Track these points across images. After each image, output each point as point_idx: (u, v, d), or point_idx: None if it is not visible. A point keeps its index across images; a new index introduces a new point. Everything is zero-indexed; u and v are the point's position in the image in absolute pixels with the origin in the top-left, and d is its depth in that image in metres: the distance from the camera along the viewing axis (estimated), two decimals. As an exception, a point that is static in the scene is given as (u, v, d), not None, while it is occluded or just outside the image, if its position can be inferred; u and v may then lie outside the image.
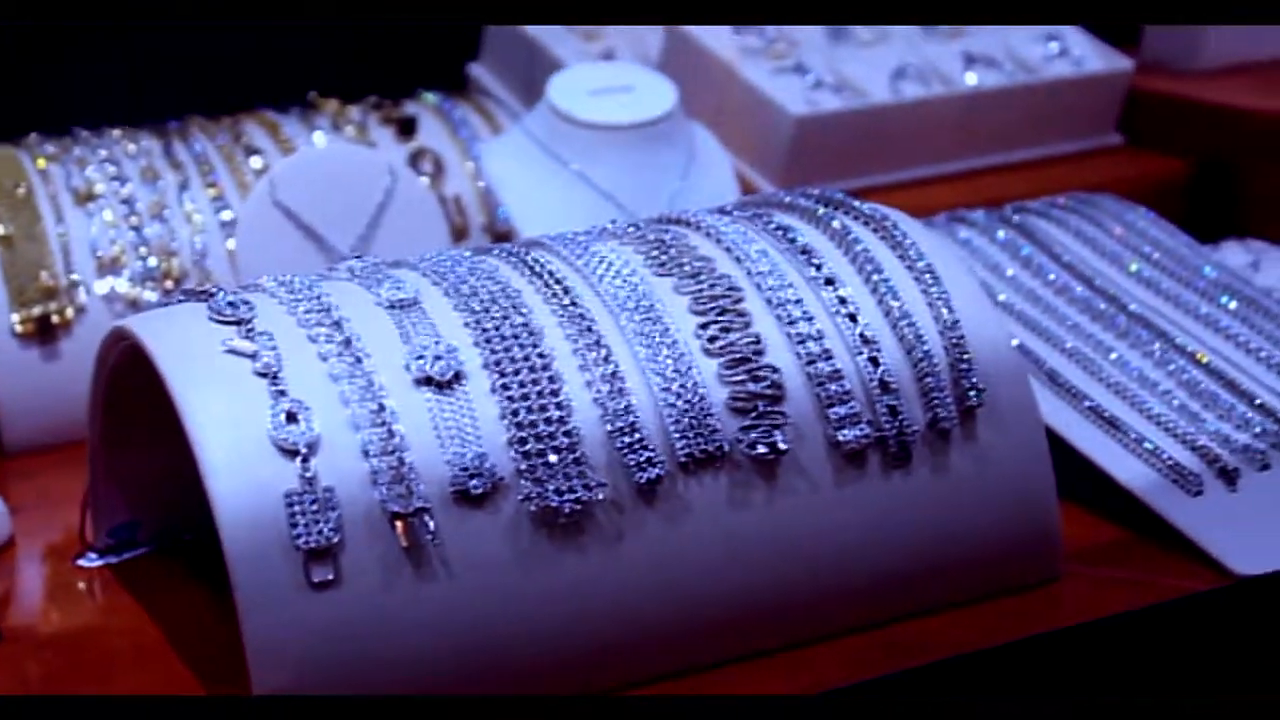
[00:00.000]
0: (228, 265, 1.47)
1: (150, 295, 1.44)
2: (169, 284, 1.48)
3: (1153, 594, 1.14)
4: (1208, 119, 1.85)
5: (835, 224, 1.16)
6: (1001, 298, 1.38)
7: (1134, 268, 1.44)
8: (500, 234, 1.58)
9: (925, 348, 1.10)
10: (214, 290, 1.07)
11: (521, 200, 1.55)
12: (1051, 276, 1.41)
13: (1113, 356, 1.32)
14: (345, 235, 1.44)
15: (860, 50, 1.77)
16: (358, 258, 1.13)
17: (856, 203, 1.19)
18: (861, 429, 1.07)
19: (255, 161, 1.58)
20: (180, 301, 1.08)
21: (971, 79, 1.78)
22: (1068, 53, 1.85)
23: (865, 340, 1.09)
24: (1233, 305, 1.40)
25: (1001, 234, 1.46)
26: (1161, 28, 2.01)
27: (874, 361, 1.09)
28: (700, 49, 1.72)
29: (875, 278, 1.12)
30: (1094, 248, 1.46)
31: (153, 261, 1.47)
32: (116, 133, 1.58)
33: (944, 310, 1.11)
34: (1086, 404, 1.27)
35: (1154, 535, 1.19)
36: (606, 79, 1.57)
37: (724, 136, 1.68)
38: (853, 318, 1.10)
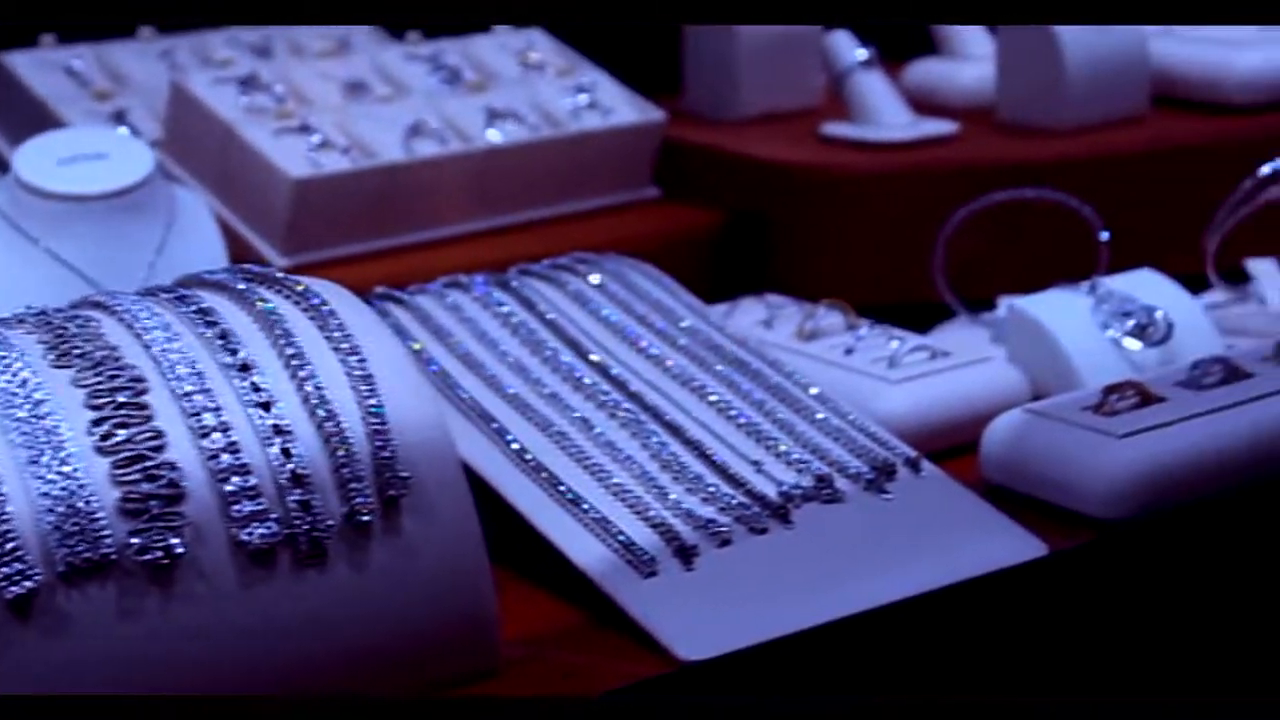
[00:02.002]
0: None
1: None
2: None
3: (597, 682, 1.09)
4: (741, 170, 1.83)
5: (260, 304, 1.09)
6: (481, 365, 1.33)
7: (625, 331, 1.39)
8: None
9: (344, 436, 1.03)
10: None
11: (-13, 280, 1.45)
12: (541, 343, 1.36)
13: (588, 427, 1.28)
14: None
15: (374, 108, 1.71)
16: None
17: (289, 280, 1.12)
18: (269, 526, 1.00)
19: None
20: None
21: (494, 135, 1.73)
22: (597, 104, 1.81)
23: (278, 430, 1.02)
24: (719, 368, 1.36)
25: (496, 297, 1.41)
26: (698, 77, 1.99)
27: (286, 453, 1.02)
28: (202, 109, 1.65)
29: (295, 362, 1.05)
30: (588, 310, 1.41)
31: None
32: None
33: (368, 395, 1.05)
34: (553, 482, 1.22)
35: (614, 618, 1.15)
36: (78, 146, 1.47)
37: (228, 201, 1.61)
38: (266, 406, 1.03)
